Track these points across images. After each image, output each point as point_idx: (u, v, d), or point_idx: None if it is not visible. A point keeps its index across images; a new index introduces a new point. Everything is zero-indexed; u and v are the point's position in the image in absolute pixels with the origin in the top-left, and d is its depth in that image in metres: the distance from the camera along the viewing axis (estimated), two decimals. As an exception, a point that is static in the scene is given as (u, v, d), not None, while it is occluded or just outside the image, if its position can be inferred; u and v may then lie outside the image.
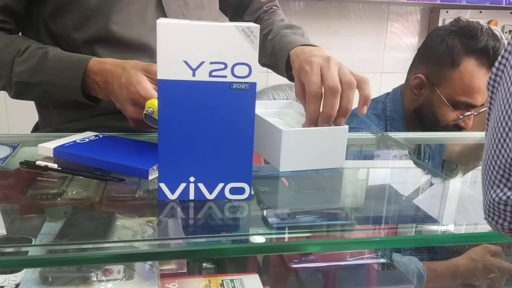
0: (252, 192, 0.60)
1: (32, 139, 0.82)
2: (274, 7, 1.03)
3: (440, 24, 1.88)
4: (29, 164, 0.65)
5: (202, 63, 0.52)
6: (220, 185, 0.57)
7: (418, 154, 0.95)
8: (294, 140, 0.66)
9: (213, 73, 0.53)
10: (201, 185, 0.56)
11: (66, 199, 0.60)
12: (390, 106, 1.26)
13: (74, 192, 0.62)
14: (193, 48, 0.52)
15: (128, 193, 0.61)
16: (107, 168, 0.64)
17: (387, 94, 1.31)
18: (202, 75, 0.53)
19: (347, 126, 0.69)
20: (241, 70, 0.53)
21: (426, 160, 1.17)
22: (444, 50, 1.18)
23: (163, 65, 0.51)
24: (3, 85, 0.82)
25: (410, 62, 1.30)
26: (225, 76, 0.53)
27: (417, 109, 1.24)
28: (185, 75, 0.52)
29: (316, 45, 0.82)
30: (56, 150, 0.67)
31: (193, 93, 0.53)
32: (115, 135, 0.76)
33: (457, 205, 0.71)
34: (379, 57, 1.96)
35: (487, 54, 1.15)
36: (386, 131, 1.23)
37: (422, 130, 1.25)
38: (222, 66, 0.53)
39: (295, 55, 0.78)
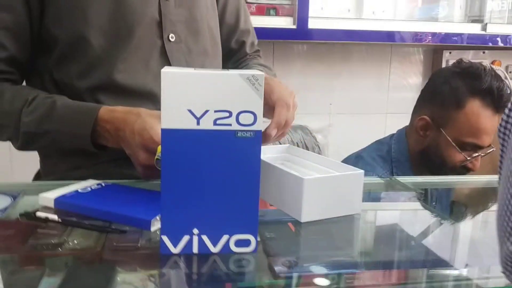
0: (258, 239, 0.58)
1: (33, 188, 0.81)
2: (256, 56, 1.07)
3: (443, 65, 1.89)
4: (29, 216, 0.64)
5: (206, 111, 0.52)
6: (225, 237, 0.55)
7: (426, 197, 0.93)
8: (316, 188, 0.65)
9: (218, 122, 0.52)
10: (205, 238, 0.54)
11: (67, 250, 0.58)
12: (395, 148, 1.25)
13: (75, 241, 0.60)
14: (198, 96, 0.51)
15: (130, 243, 0.59)
16: (109, 218, 0.62)
17: (392, 135, 1.31)
18: (207, 124, 0.52)
19: (363, 171, 0.68)
20: (246, 118, 0.53)
21: (434, 203, 1.14)
22: (448, 91, 1.18)
23: (167, 114, 0.51)
24: (8, 136, 0.82)
25: (414, 103, 1.30)
26: (230, 125, 0.52)
27: (423, 151, 1.22)
28: (190, 123, 0.51)
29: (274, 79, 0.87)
30: (57, 200, 0.65)
31: (197, 142, 0.52)
32: (119, 182, 0.75)
33: (478, 252, 0.69)
34: (383, 97, 1.96)
35: (492, 95, 1.14)
36: (392, 173, 1.22)
37: (429, 172, 1.23)
38: (227, 114, 0.52)
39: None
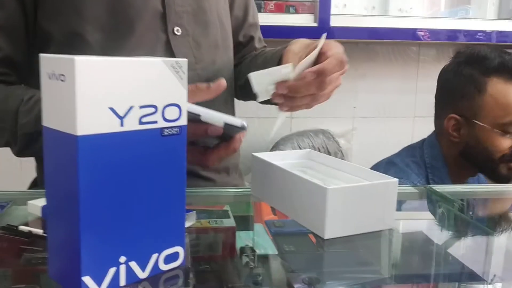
0: (276, 252, 0.54)
1: (26, 197, 0.74)
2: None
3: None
4: (11, 230, 0.56)
5: (131, 108, 0.42)
6: (154, 257, 0.47)
7: (465, 208, 0.84)
8: (341, 199, 0.56)
9: (143, 119, 0.43)
10: (133, 264, 0.45)
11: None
12: (428, 153, 1.19)
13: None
14: (120, 90, 0.41)
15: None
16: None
17: (423, 140, 1.24)
18: (132, 124, 0.42)
19: (397, 180, 0.60)
20: (171, 113, 0.45)
21: (470, 213, 1.06)
22: (464, 81, 1.13)
23: (84, 117, 0.39)
24: (6, 140, 0.76)
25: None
26: (156, 122, 0.44)
27: (462, 152, 1.15)
28: (112, 125, 0.41)
29: None
30: (45, 208, 0.57)
31: (120, 147, 0.42)
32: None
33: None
34: (411, 100, 1.89)
35: (507, 67, 1.11)
36: (428, 180, 1.15)
37: (479, 171, 1.18)
38: (153, 110, 0.44)
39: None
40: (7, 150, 0.79)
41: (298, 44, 0.74)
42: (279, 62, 0.76)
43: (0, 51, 0.77)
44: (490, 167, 1.13)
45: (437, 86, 1.24)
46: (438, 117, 1.21)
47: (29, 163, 0.90)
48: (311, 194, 0.58)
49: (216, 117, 0.57)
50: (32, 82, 0.80)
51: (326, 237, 0.56)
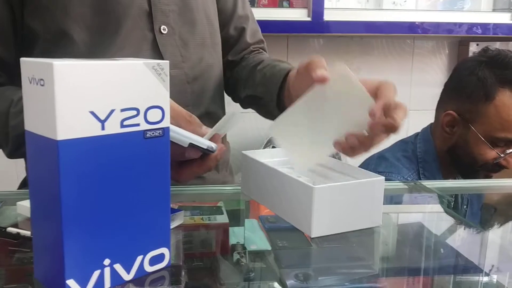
0: (269, 248, 0.54)
1: (17, 197, 0.74)
2: (261, 50, 0.98)
3: (470, 57, 1.79)
4: (-1, 231, 0.56)
5: (112, 111, 0.42)
6: (139, 259, 0.47)
7: (455, 204, 0.84)
8: (328, 198, 0.56)
9: (125, 122, 0.43)
10: (117, 266, 0.45)
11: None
12: (421, 147, 1.18)
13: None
14: (100, 94, 0.41)
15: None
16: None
17: (417, 134, 1.23)
18: (113, 127, 0.42)
19: (383, 178, 0.60)
20: (154, 115, 0.45)
21: (465, 207, 1.06)
22: (475, 83, 1.09)
23: (64, 121, 0.39)
24: None
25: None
26: (138, 124, 0.44)
27: (450, 149, 1.14)
28: (93, 129, 0.41)
29: None
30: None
31: (102, 151, 0.42)
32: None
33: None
34: (406, 93, 1.88)
35: None
36: (419, 174, 1.14)
37: (458, 171, 1.16)
38: (135, 112, 0.44)
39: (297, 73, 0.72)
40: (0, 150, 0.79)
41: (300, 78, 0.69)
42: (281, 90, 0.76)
43: None
44: (470, 171, 1.12)
45: (450, 76, 1.21)
46: (440, 108, 1.19)
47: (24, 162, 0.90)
48: (298, 192, 0.58)
49: (181, 137, 0.56)
50: (20, 81, 0.80)
51: (312, 236, 0.56)
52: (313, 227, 0.56)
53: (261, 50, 0.97)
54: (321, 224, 0.56)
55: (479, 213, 1.02)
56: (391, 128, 0.57)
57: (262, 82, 0.83)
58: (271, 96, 0.79)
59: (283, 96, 0.78)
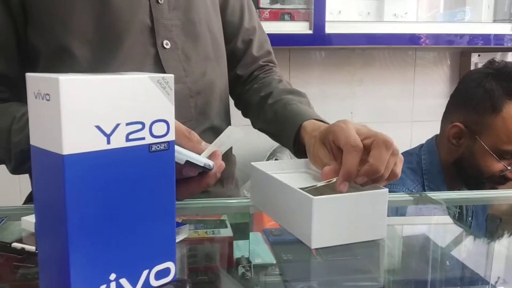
0: (274, 261, 0.54)
1: (22, 213, 0.74)
2: (270, 64, 0.97)
3: (472, 68, 1.80)
4: (3, 247, 0.56)
5: (117, 125, 0.42)
6: (145, 273, 0.46)
7: (461, 215, 0.84)
8: (328, 209, 0.56)
9: (130, 136, 0.43)
10: (123, 281, 0.45)
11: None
12: (425, 159, 1.17)
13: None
14: (106, 108, 0.41)
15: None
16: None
17: (421, 145, 1.23)
18: (119, 141, 0.42)
19: (387, 190, 0.59)
20: (159, 128, 0.45)
21: (470, 218, 1.05)
22: (482, 94, 1.09)
23: (70, 136, 0.39)
24: (0, 158, 0.75)
25: (443, 109, 1.22)
26: (143, 138, 0.44)
27: (456, 161, 1.14)
28: (99, 143, 0.41)
29: (328, 123, 0.75)
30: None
31: (107, 165, 0.42)
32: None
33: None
34: (408, 105, 1.88)
35: None
36: (423, 186, 1.14)
37: (464, 183, 1.15)
38: (140, 126, 0.44)
39: (311, 127, 0.73)
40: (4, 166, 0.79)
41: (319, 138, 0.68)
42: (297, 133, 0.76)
43: None
44: (476, 183, 1.12)
45: (456, 87, 1.21)
46: (446, 119, 1.19)
47: (28, 178, 0.90)
48: (299, 203, 0.58)
49: (178, 155, 0.55)
50: (26, 98, 0.80)
51: (313, 247, 0.56)
52: (313, 238, 0.55)
53: (270, 66, 0.97)
54: (321, 235, 0.56)
55: (484, 225, 1.02)
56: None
57: (274, 120, 0.83)
58: (287, 138, 0.79)
59: (300, 141, 0.77)
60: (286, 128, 0.78)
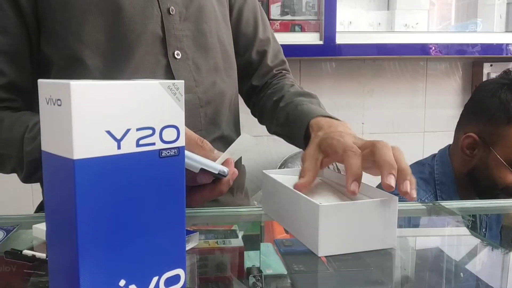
0: (285, 272, 0.54)
1: (33, 221, 0.74)
2: (284, 71, 0.98)
3: (484, 78, 1.78)
4: (15, 254, 0.56)
5: (128, 130, 0.42)
6: (155, 280, 0.46)
7: (474, 224, 0.82)
8: (335, 217, 0.55)
9: (141, 142, 0.43)
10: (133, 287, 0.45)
11: None
12: (438, 169, 1.16)
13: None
14: (116, 113, 0.42)
15: None
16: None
17: (434, 155, 1.21)
18: (129, 146, 0.42)
19: (397, 197, 0.58)
20: (169, 134, 0.45)
21: (484, 230, 1.03)
22: (497, 105, 1.08)
23: (80, 141, 0.40)
24: (12, 167, 0.76)
25: (455, 120, 1.20)
26: (154, 144, 0.44)
27: (470, 171, 1.12)
28: (110, 148, 0.41)
29: (338, 119, 0.75)
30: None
31: (118, 170, 0.42)
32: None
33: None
34: (420, 115, 1.86)
35: None
36: (436, 197, 1.12)
37: (477, 194, 1.13)
38: (150, 131, 0.44)
39: (317, 125, 0.73)
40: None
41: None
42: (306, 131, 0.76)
43: (5, 77, 0.76)
44: (489, 194, 1.10)
45: (470, 98, 1.20)
46: (459, 130, 1.18)
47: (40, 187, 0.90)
48: (306, 211, 0.57)
49: (192, 162, 0.56)
50: (38, 107, 0.81)
51: (320, 254, 0.55)
52: (320, 246, 0.55)
53: (284, 73, 0.97)
54: (328, 243, 0.55)
55: (499, 236, 1.00)
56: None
57: (286, 123, 0.83)
58: (298, 138, 0.79)
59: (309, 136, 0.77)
60: (296, 128, 0.79)
